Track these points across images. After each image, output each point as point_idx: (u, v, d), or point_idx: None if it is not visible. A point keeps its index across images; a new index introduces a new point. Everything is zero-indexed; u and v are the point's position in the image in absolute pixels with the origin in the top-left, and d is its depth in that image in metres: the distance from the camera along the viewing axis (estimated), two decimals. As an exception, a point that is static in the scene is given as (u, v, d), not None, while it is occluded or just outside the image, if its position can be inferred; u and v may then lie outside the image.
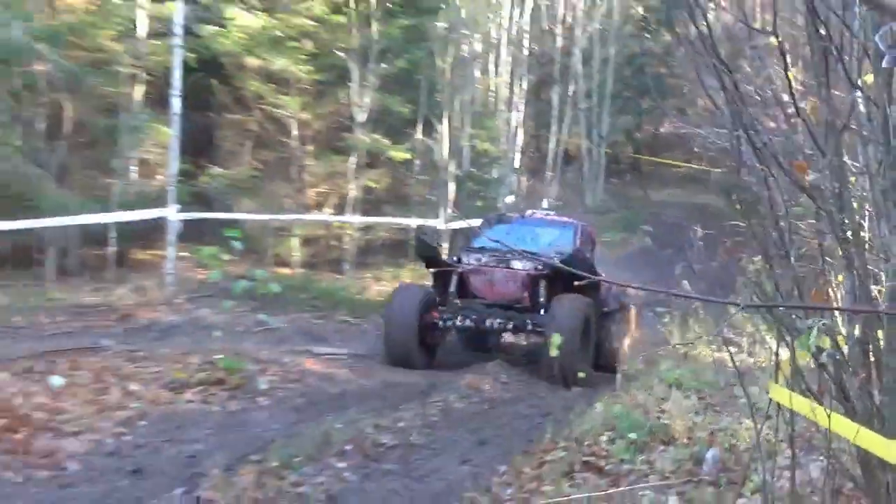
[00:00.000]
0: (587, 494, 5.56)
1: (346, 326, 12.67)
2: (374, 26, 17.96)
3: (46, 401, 7.05)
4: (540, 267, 10.66)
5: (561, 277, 10.42)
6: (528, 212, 13.57)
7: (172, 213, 14.12)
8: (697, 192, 26.33)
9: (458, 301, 10.93)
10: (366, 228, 18.65)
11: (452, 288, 11.00)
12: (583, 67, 30.59)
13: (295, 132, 18.19)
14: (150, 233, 15.76)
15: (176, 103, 14.53)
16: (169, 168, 14.79)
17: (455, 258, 11.40)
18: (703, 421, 6.97)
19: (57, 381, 7.51)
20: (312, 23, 17.65)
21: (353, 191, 18.40)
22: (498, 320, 10.65)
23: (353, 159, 18.40)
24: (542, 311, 10.66)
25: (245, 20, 17.50)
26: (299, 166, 18.44)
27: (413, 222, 18.09)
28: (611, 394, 8.51)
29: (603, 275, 10.30)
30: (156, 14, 16.33)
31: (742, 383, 4.34)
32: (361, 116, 18.17)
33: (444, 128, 20.55)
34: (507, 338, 12.36)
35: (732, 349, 8.87)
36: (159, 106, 16.33)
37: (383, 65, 18.18)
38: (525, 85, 28.06)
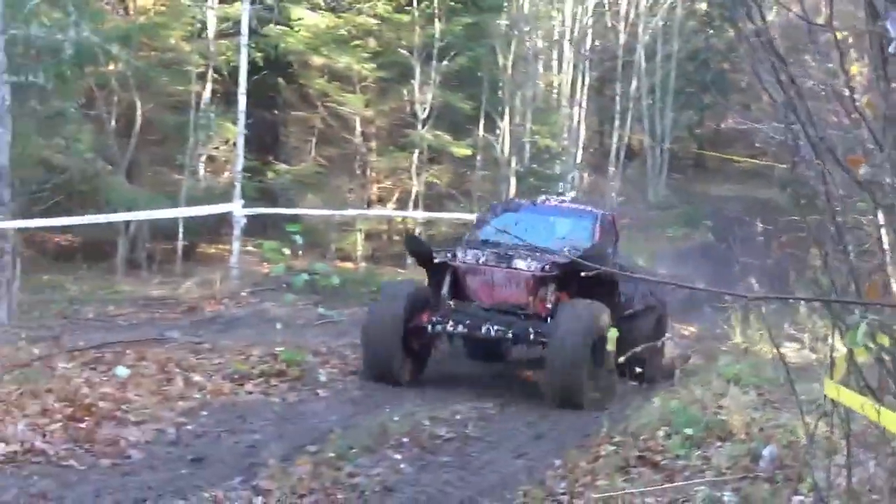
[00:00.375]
0: (641, 489, 5.56)
1: (405, 320, 12.70)
2: (437, 24, 18.04)
3: (112, 391, 7.21)
4: (548, 266, 9.03)
5: (574, 279, 8.80)
6: (541, 198, 11.83)
7: (238, 209, 14.37)
8: (759, 187, 25.95)
9: (451, 302, 9.21)
10: (428, 223, 18.74)
11: (445, 289, 9.19)
12: (646, 63, 30.30)
13: (358, 129, 18.38)
14: (217, 228, 16.11)
15: (242, 101, 14.81)
16: (235, 164, 15.10)
17: (450, 254, 9.44)
18: (761, 417, 6.90)
19: (122, 371, 7.72)
20: (376, 21, 17.83)
21: (415, 186, 18.50)
22: (496, 327, 8.88)
23: (415, 155, 18.52)
24: (550, 319, 8.89)
25: (311, 19, 17.75)
26: (363, 162, 18.63)
27: (475, 217, 18.10)
28: (668, 389, 8.46)
29: (627, 272, 9.36)
30: (224, 14, 16.67)
31: (790, 379, 4.30)
32: (424, 113, 18.27)
33: (505, 124, 20.57)
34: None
35: (795, 345, 8.80)
36: (226, 104, 16.68)
37: (445, 62, 18.24)
38: (587, 81, 27.89)
